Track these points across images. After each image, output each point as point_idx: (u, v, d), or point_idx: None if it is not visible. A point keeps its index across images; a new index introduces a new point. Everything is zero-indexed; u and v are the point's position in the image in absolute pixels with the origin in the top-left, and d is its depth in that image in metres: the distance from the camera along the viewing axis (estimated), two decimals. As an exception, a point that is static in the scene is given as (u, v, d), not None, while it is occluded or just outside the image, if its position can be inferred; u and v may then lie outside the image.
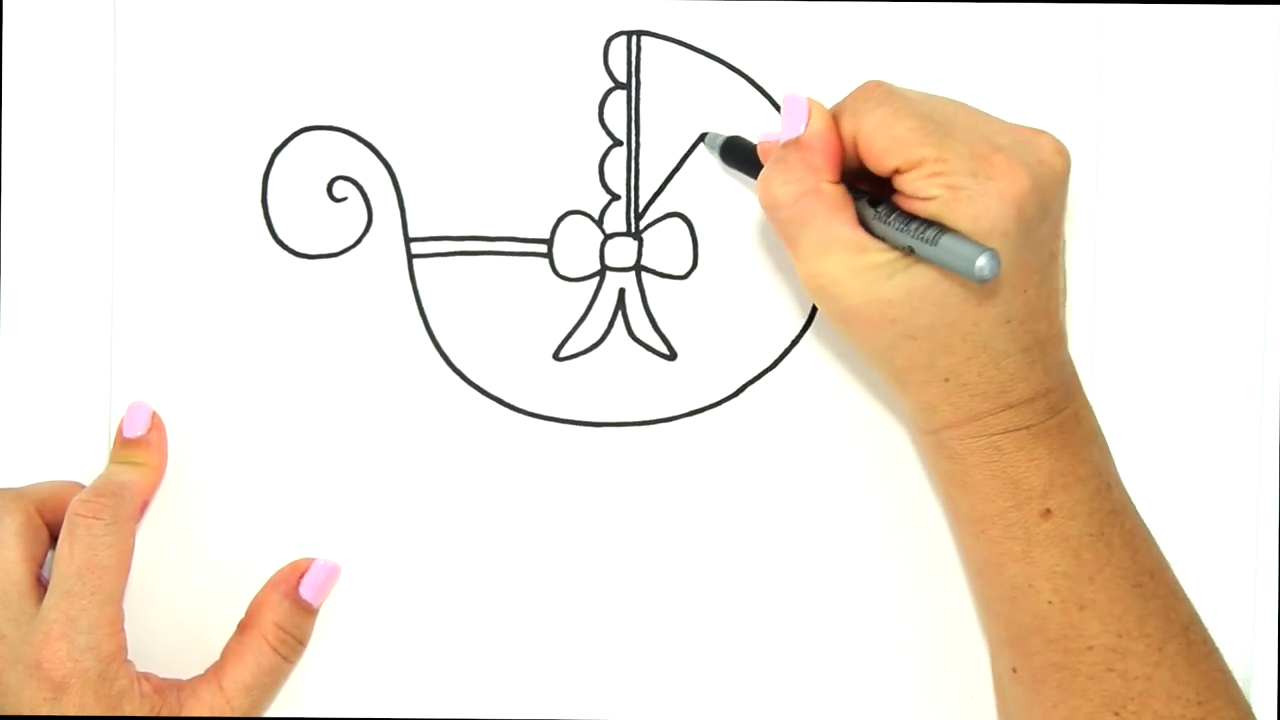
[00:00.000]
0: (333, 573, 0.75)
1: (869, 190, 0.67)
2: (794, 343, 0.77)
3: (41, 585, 0.72)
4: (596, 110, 0.77)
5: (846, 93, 0.74)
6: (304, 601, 0.74)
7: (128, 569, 0.72)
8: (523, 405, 0.77)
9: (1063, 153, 0.67)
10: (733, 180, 0.77)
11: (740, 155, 0.74)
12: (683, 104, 0.77)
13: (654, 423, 0.77)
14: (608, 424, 0.77)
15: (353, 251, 0.77)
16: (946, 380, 0.67)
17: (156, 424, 0.76)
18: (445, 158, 0.76)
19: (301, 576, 0.75)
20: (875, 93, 0.67)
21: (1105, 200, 0.76)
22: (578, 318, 0.77)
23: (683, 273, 0.77)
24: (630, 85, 0.77)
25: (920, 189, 0.65)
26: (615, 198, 0.77)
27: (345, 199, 0.77)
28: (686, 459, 0.77)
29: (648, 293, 0.77)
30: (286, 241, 0.76)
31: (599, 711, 0.76)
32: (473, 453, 0.76)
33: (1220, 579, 0.76)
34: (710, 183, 0.77)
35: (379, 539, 0.76)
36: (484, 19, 0.76)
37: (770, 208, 0.68)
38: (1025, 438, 0.67)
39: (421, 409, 0.76)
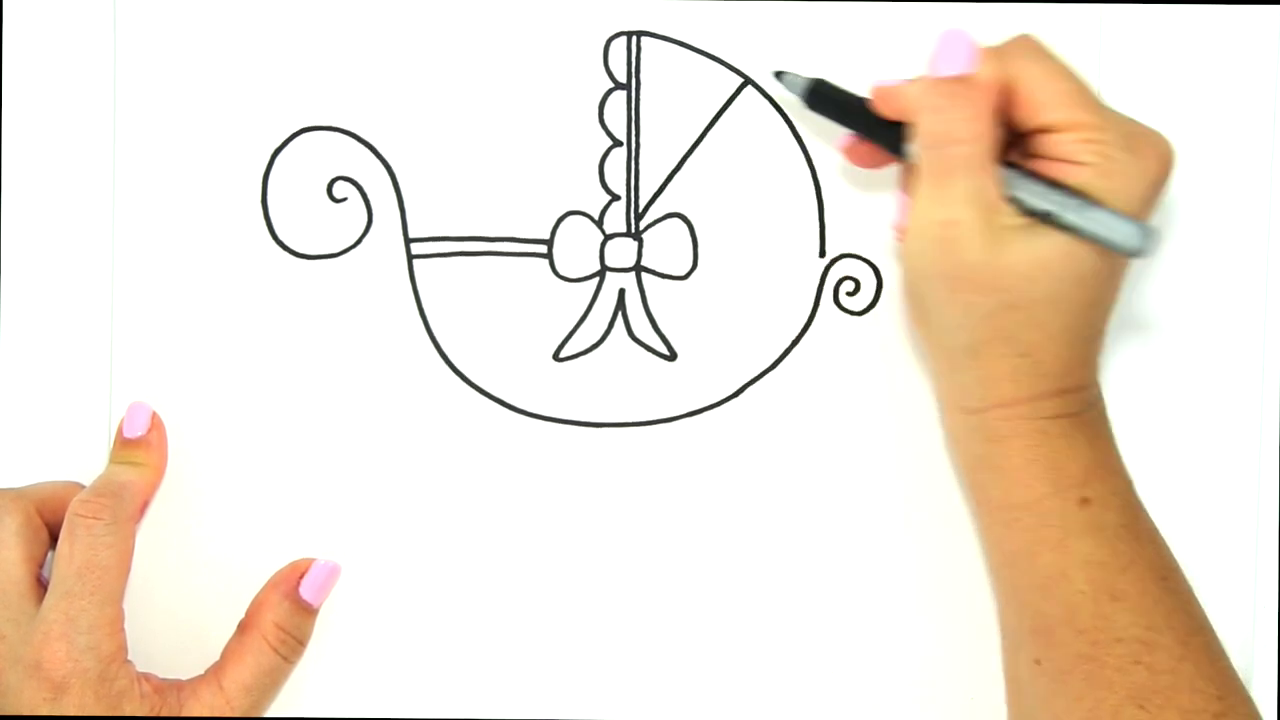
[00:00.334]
0: (333, 573, 0.75)
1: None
2: (794, 343, 0.77)
3: (41, 585, 0.72)
4: (596, 110, 0.77)
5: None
6: (304, 601, 0.74)
7: (128, 569, 0.72)
8: (523, 405, 0.77)
9: (1173, 150, 0.67)
10: (732, 180, 0.77)
11: (835, 103, 0.71)
12: (683, 104, 0.77)
13: (654, 423, 0.77)
14: (608, 424, 0.77)
15: (353, 252, 0.77)
16: (1023, 355, 0.67)
17: (156, 424, 0.76)
18: (445, 158, 0.76)
19: (301, 577, 0.75)
20: (1036, 46, 0.67)
21: (1105, 200, 0.76)
22: (578, 318, 0.77)
23: (683, 273, 0.77)
24: (630, 85, 0.77)
25: (1073, 151, 0.65)
26: (615, 198, 0.77)
27: (345, 199, 0.77)
28: (686, 459, 0.77)
29: (648, 293, 0.77)
30: (286, 242, 0.76)
31: (599, 711, 0.76)
32: (473, 453, 0.76)
33: (1220, 579, 0.76)
34: (710, 183, 0.77)
35: (379, 539, 0.76)
36: (484, 19, 0.76)
37: (942, 142, 0.66)
38: (1069, 425, 0.67)
39: (421, 409, 0.76)
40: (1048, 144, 0.66)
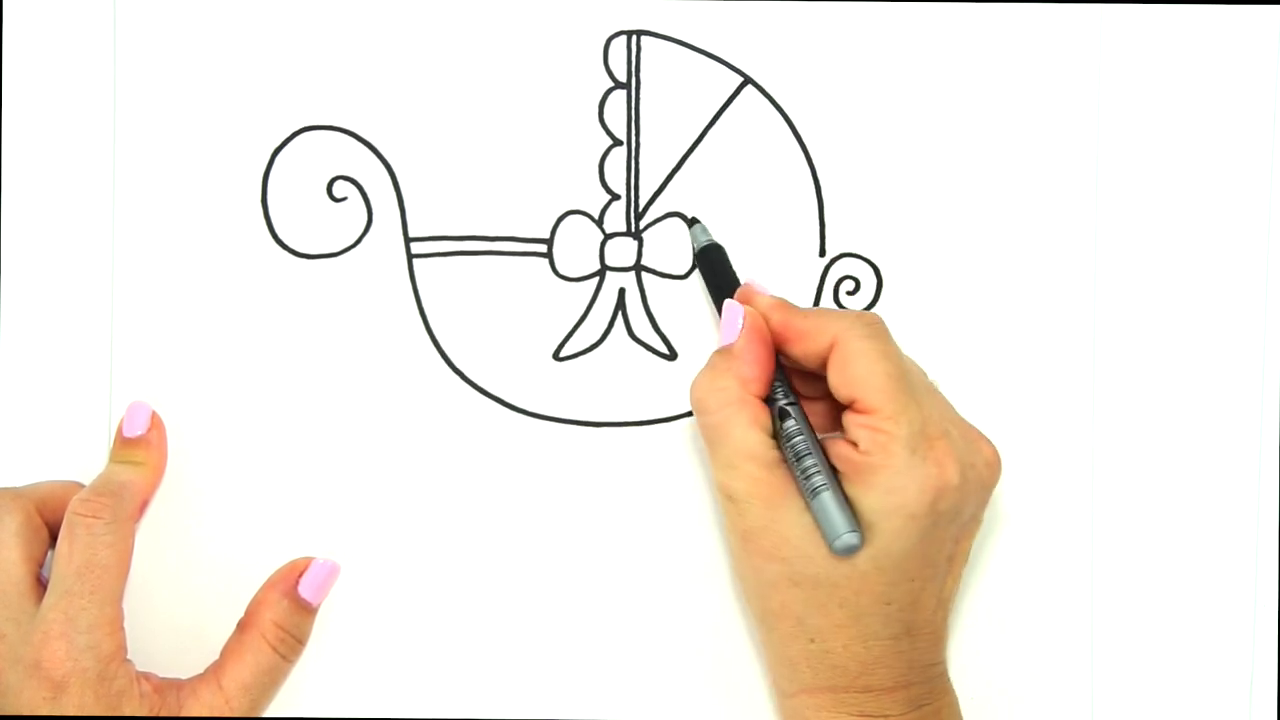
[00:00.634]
0: (332, 572, 0.75)
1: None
2: (794, 343, 0.77)
3: (41, 585, 0.72)
4: (596, 110, 0.77)
5: (846, 92, 0.74)
6: (303, 600, 0.74)
7: (127, 568, 0.72)
8: (523, 405, 0.77)
9: (996, 466, 0.68)
10: (732, 180, 0.77)
11: (711, 271, 0.75)
12: (683, 104, 0.77)
13: (654, 423, 0.77)
14: (608, 424, 0.77)
15: (353, 251, 0.77)
16: (812, 641, 0.67)
17: (156, 424, 0.76)
18: (445, 158, 0.76)
19: (300, 575, 0.75)
20: (873, 323, 0.68)
21: (1105, 200, 0.76)
22: (578, 318, 0.77)
23: (683, 273, 0.77)
24: (630, 85, 0.77)
25: (859, 436, 0.66)
26: (615, 198, 0.77)
27: (345, 199, 0.77)
28: (686, 459, 0.77)
29: (648, 293, 0.77)
30: (286, 241, 0.76)
31: (599, 711, 0.76)
32: (473, 453, 0.76)
33: (1220, 579, 0.76)
34: (710, 182, 0.77)
35: (379, 539, 0.76)
36: (484, 19, 0.76)
37: (697, 410, 0.69)
38: None
39: (421, 409, 0.76)
40: (847, 416, 0.67)
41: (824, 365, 0.68)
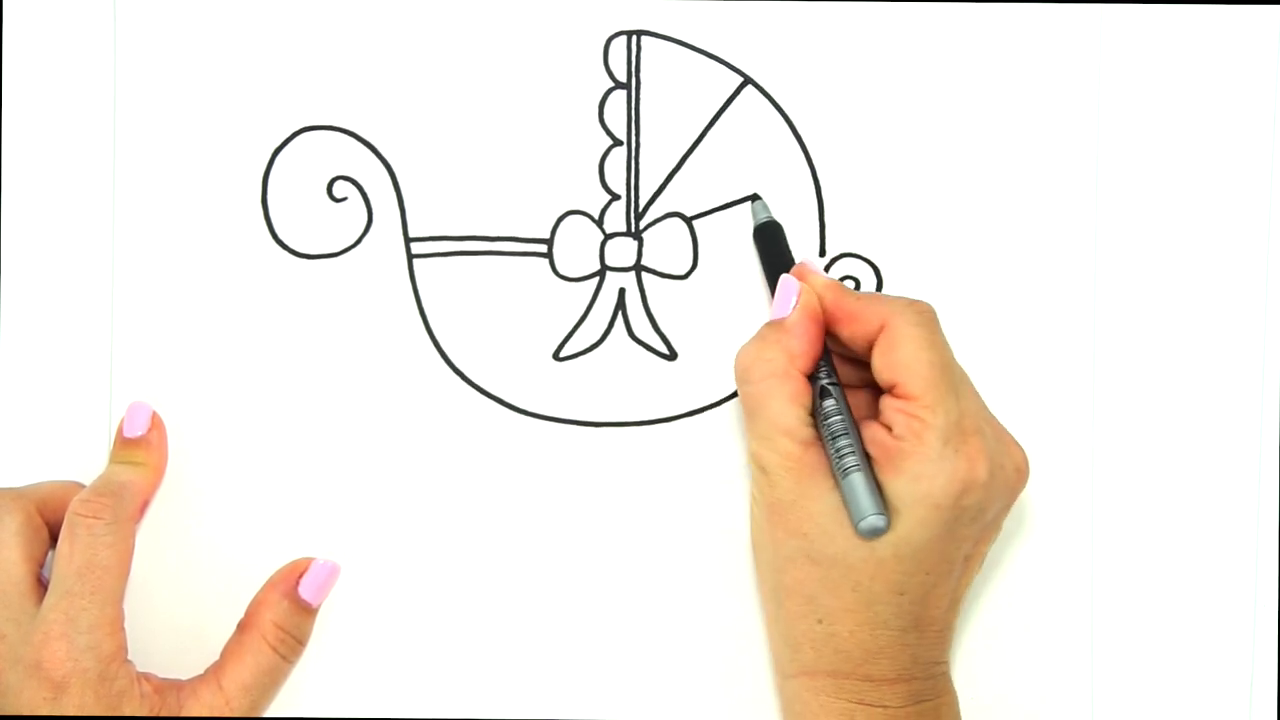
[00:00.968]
0: (332, 572, 0.75)
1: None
2: (794, 343, 0.77)
3: (42, 585, 0.72)
4: (596, 110, 0.77)
5: (846, 92, 0.74)
6: (303, 601, 0.74)
7: (128, 569, 0.72)
8: (523, 405, 0.77)
9: (1024, 472, 0.68)
10: (732, 180, 0.77)
11: (766, 247, 0.75)
12: (683, 104, 0.77)
13: (654, 423, 0.77)
14: (608, 424, 0.77)
15: (353, 251, 0.77)
16: (820, 622, 0.67)
17: (156, 424, 0.76)
18: (445, 158, 0.76)
19: (301, 576, 0.75)
20: (924, 311, 0.68)
21: (1105, 200, 0.76)
22: (578, 318, 0.77)
23: (683, 273, 0.77)
24: (630, 85, 0.77)
25: (895, 420, 0.66)
26: (615, 198, 0.77)
27: (345, 199, 0.77)
28: (686, 459, 0.77)
29: (648, 293, 0.77)
30: (286, 241, 0.76)
31: (599, 711, 0.76)
32: (473, 453, 0.76)
33: (1220, 579, 0.76)
34: (710, 183, 0.77)
35: (379, 539, 0.76)
36: (484, 19, 0.76)
37: (740, 377, 0.69)
38: (881, 716, 0.67)
39: (421, 409, 0.76)
40: (885, 400, 0.67)
41: (870, 349, 0.68)
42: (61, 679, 0.69)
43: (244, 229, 0.76)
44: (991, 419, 0.68)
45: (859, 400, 0.71)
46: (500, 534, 0.76)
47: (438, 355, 0.76)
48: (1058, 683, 0.76)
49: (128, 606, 0.72)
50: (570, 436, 0.77)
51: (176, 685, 0.72)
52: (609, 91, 0.77)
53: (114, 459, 0.75)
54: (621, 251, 0.77)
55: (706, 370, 0.77)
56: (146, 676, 0.72)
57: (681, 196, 0.77)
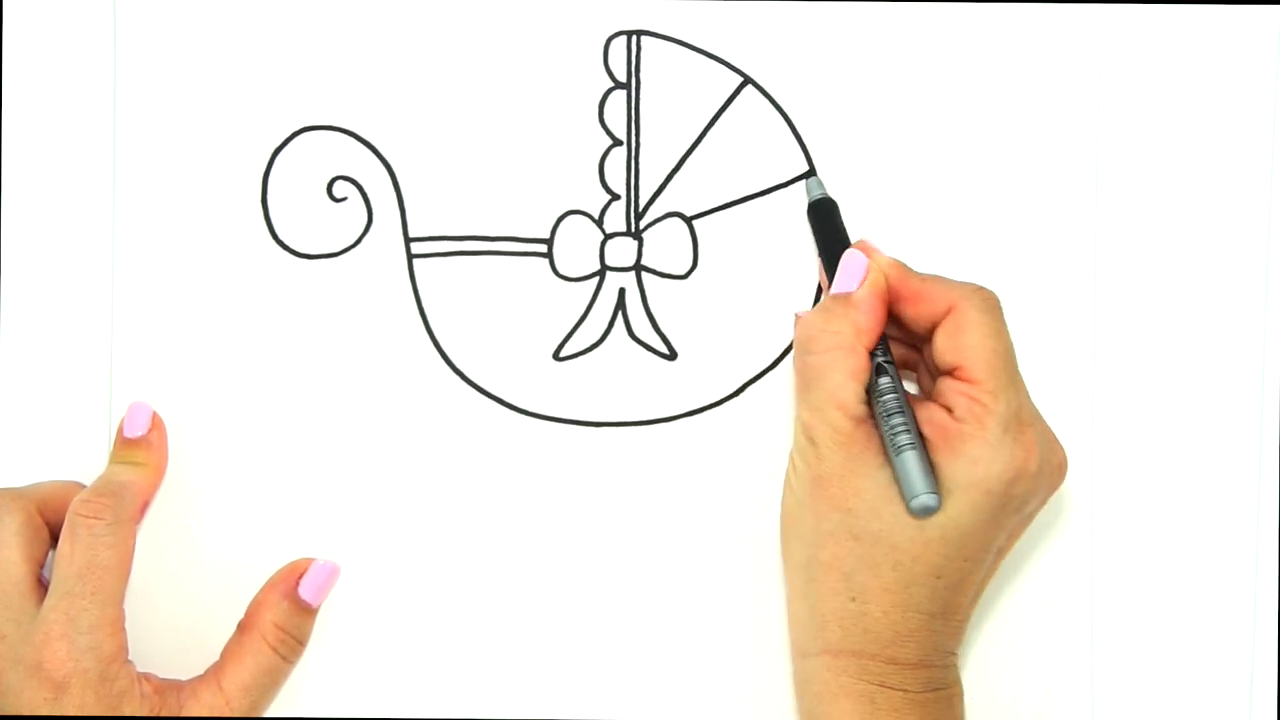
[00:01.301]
0: (332, 573, 0.75)
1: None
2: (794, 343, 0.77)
3: (42, 585, 0.72)
4: (596, 110, 0.77)
5: (846, 92, 0.74)
6: (303, 601, 0.74)
7: (128, 569, 0.72)
8: (523, 405, 0.77)
9: (1064, 471, 0.68)
10: (732, 180, 0.77)
11: (821, 225, 0.74)
12: (683, 104, 0.77)
13: (654, 423, 0.77)
14: (608, 424, 0.77)
15: (353, 251, 0.77)
16: (853, 600, 0.67)
17: (157, 424, 0.76)
18: (445, 158, 0.76)
19: (300, 577, 0.74)
20: (990, 298, 0.68)
21: (1105, 200, 0.76)
22: (578, 318, 0.77)
23: (683, 273, 0.77)
24: (630, 85, 0.77)
25: (956, 402, 0.66)
26: (615, 198, 0.77)
27: (345, 199, 0.77)
28: (686, 459, 0.77)
29: (648, 293, 0.77)
30: (286, 241, 0.76)
31: (599, 711, 0.76)
32: (473, 453, 0.76)
33: (1220, 579, 0.76)
34: (710, 183, 0.77)
35: (379, 539, 0.76)
36: (484, 19, 0.76)
37: (801, 347, 0.69)
38: (902, 702, 0.67)
39: (421, 409, 0.76)
40: (945, 384, 0.67)
41: (931, 330, 0.68)
42: (62, 679, 0.69)
43: (244, 229, 0.76)
44: (1040, 416, 0.68)
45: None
46: (500, 534, 0.76)
47: (438, 355, 0.76)
48: (1058, 683, 0.76)
49: (128, 606, 0.72)
50: (570, 436, 0.77)
51: (177, 686, 0.72)
52: (609, 91, 0.77)
53: (114, 459, 0.75)
54: (621, 251, 0.77)
55: (706, 370, 0.77)
56: (147, 677, 0.72)
57: (681, 196, 0.77)
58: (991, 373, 0.66)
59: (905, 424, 0.66)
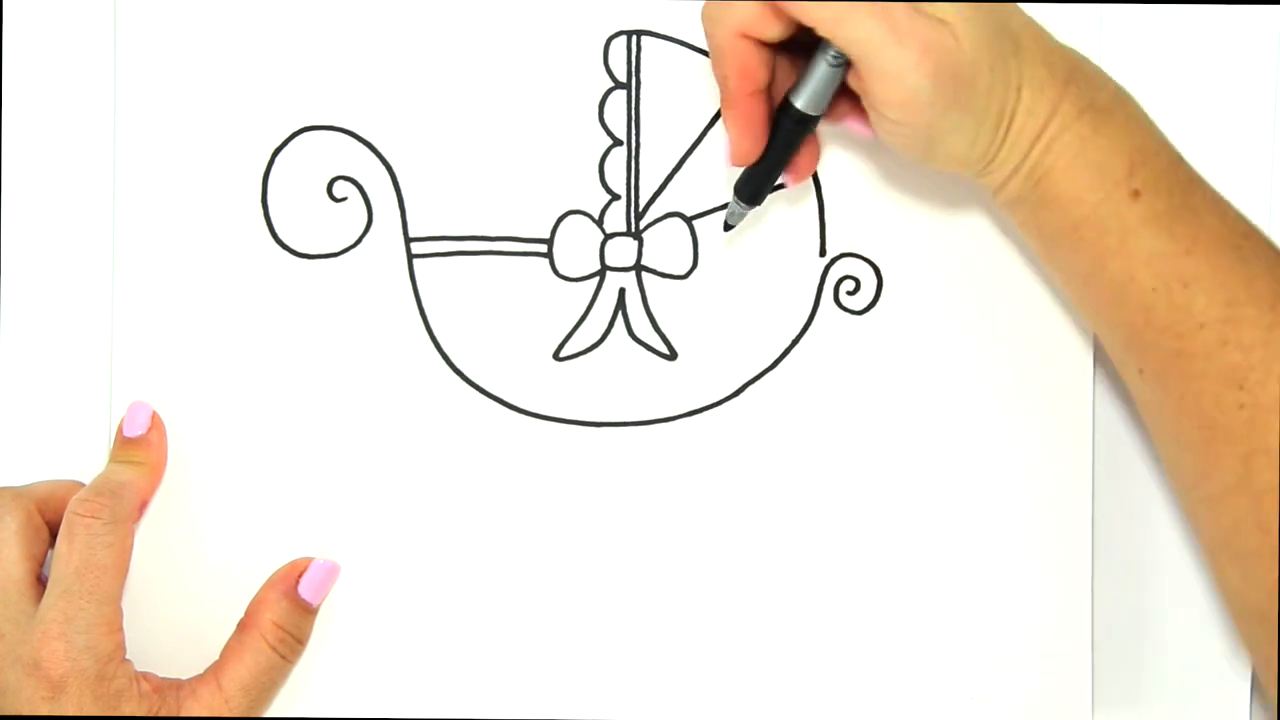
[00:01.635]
0: (331, 572, 0.75)
1: None
2: (794, 343, 0.77)
3: (41, 584, 0.72)
4: (596, 110, 0.77)
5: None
6: (303, 601, 0.74)
7: (126, 568, 0.72)
8: (523, 405, 0.77)
9: None
10: (732, 180, 0.77)
11: (753, 177, 0.71)
12: (683, 104, 0.77)
13: (654, 423, 0.77)
14: (608, 424, 0.77)
15: (353, 251, 0.77)
16: (1018, 53, 0.66)
17: (156, 424, 0.76)
18: (445, 158, 0.76)
19: (300, 576, 0.74)
20: None
21: (1105, 200, 0.76)
22: (578, 318, 0.77)
23: (683, 273, 0.77)
24: (630, 85, 0.77)
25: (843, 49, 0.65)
26: (615, 197, 0.77)
27: (345, 199, 0.77)
28: (686, 459, 0.77)
29: (648, 293, 0.77)
30: (286, 241, 0.76)
31: (599, 711, 0.76)
32: (473, 453, 0.76)
33: (1221, 579, 0.76)
34: (710, 183, 0.77)
35: (379, 539, 0.76)
36: (484, 19, 0.76)
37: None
38: (1097, 119, 0.66)
39: (421, 409, 0.76)
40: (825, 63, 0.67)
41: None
42: (60, 678, 0.69)
43: (244, 229, 0.76)
44: None
45: None
46: (500, 534, 0.76)
47: (438, 355, 0.76)
48: (1058, 682, 0.76)
49: (127, 606, 0.72)
50: (570, 436, 0.77)
51: (176, 685, 0.72)
52: (609, 91, 0.77)
53: (114, 458, 0.75)
54: (621, 251, 0.77)
55: (706, 370, 0.77)
56: (145, 676, 0.72)
57: (681, 196, 0.77)
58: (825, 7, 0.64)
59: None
